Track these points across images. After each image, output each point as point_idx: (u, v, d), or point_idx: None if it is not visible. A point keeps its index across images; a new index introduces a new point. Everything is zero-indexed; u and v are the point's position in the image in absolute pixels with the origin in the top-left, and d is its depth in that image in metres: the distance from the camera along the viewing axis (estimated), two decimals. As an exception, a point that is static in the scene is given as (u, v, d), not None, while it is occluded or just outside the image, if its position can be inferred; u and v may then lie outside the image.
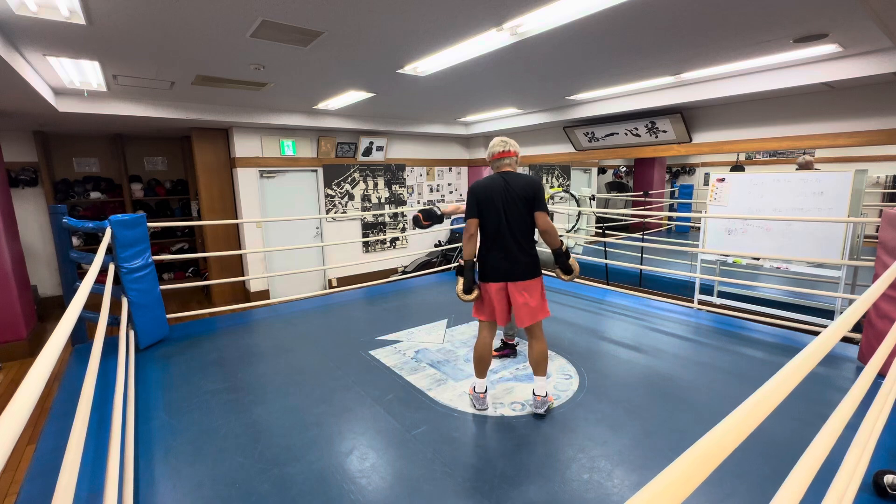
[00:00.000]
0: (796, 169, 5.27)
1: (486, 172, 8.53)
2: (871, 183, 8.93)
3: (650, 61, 3.75)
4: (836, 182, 4.13)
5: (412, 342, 3.83)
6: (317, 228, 7.04)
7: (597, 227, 9.05)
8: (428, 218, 3.80)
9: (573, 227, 8.68)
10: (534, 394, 2.66)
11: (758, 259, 4.74)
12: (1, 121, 4.97)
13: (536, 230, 2.62)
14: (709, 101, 4.78)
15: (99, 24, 2.66)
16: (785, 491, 0.80)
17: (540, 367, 2.62)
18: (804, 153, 9.17)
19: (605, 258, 6.13)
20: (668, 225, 11.37)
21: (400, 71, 3.84)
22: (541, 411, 2.63)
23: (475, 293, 2.64)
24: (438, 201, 8.48)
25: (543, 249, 7.93)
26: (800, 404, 2.62)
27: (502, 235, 2.56)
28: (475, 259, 2.69)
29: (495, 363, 3.37)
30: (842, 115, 4.18)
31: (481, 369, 2.69)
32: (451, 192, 8.62)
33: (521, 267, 2.58)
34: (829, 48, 3.36)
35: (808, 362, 0.91)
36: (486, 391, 2.73)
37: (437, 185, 8.43)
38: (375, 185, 7.57)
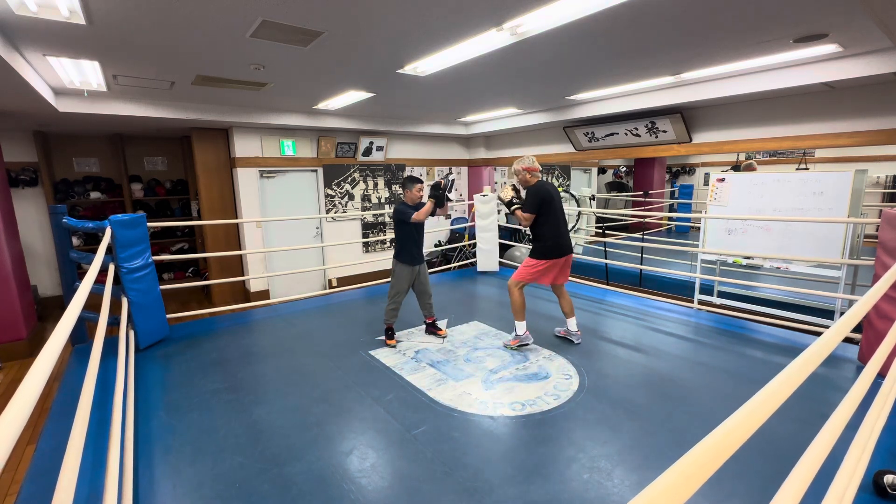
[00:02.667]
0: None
1: (486, 173, 8.55)
2: (871, 183, 8.93)
3: (650, 61, 3.75)
4: (836, 182, 4.13)
5: (412, 342, 3.84)
6: (317, 228, 7.04)
7: (597, 227, 9.05)
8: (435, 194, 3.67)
9: (573, 227, 8.68)
10: (570, 331, 3.78)
11: (751, 258, 4.74)
12: (1, 121, 4.96)
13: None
14: (709, 101, 4.77)
15: (99, 24, 2.66)
16: (785, 491, 0.80)
17: (573, 311, 3.80)
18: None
19: (605, 258, 6.13)
20: (668, 225, 11.37)
21: (400, 71, 3.84)
22: (579, 341, 3.75)
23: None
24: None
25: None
26: (800, 404, 2.62)
27: (560, 224, 3.63)
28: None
29: (494, 363, 3.37)
30: (842, 115, 4.17)
31: (524, 314, 3.62)
32: (451, 192, 8.62)
33: (571, 244, 3.73)
34: (829, 48, 3.36)
35: (809, 364, 0.91)
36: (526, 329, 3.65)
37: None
38: (375, 185, 7.56)
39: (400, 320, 4.38)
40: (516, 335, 3.64)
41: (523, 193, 3.74)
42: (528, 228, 3.74)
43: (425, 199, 3.77)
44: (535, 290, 5.52)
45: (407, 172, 7.93)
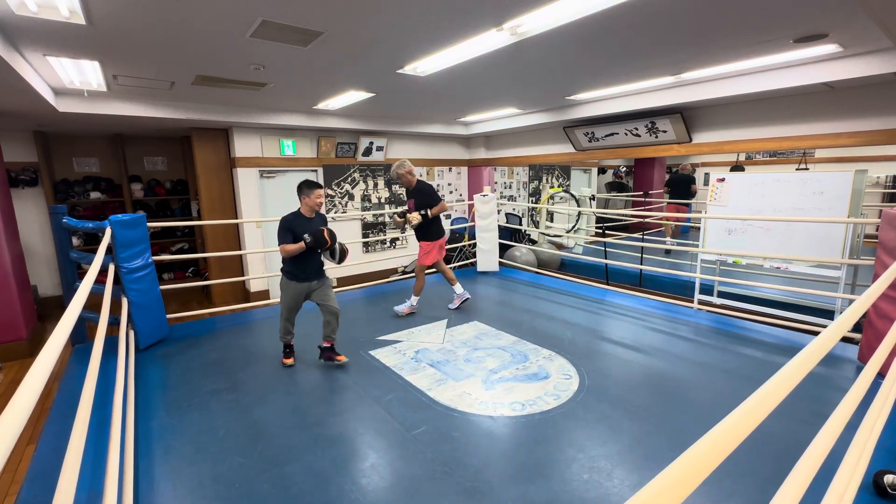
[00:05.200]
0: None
1: (486, 173, 8.56)
2: (871, 183, 8.92)
3: (650, 61, 3.75)
4: (836, 182, 4.13)
5: (412, 342, 3.84)
6: (317, 228, 7.03)
7: (597, 227, 9.06)
8: (318, 245, 3.20)
9: (573, 227, 8.68)
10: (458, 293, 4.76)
11: (744, 259, 4.74)
12: (1, 121, 4.96)
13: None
14: (709, 101, 4.77)
15: (99, 24, 2.66)
16: (785, 491, 0.80)
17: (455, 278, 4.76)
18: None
19: (605, 258, 6.13)
20: (669, 225, 11.35)
21: (400, 71, 3.84)
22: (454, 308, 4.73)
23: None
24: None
25: (543, 249, 7.88)
26: (800, 404, 2.62)
27: None
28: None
29: (494, 363, 3.37)
30: (842, 115, 4.17)
31: (454, 278, 4.75)
32: (451, 192, 8.62)
33: None
34: (829, 48, 3.36)
35: (807, 362, 0.91)
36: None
37: (437, 185, 8.43)
38: (375, 185, 7.56)
39: (401, 320, 4.39)
40: (457, 295, 4.69)
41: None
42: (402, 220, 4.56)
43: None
44: (534, 290, 5.52)
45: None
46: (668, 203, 8.75)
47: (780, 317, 4.38)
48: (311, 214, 3.36)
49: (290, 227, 3.22)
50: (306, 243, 3.15)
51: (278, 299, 3.47)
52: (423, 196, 4.43)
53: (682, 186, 8.67)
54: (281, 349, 3.47)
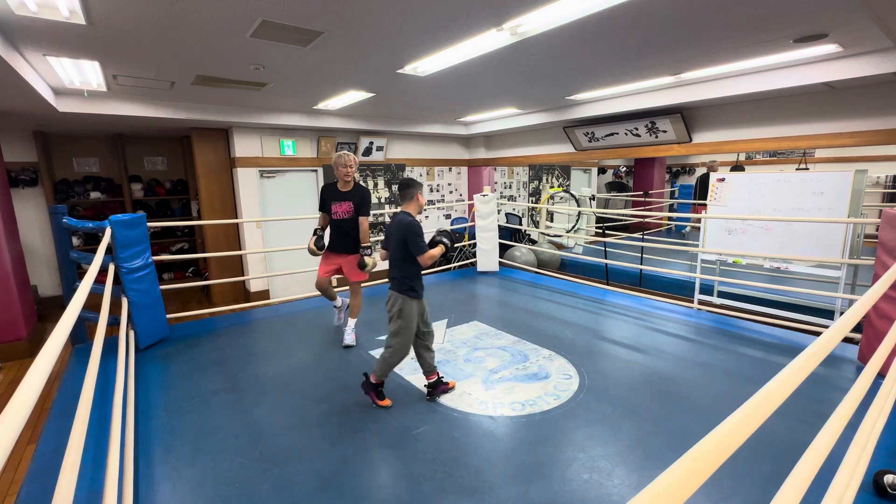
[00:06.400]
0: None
1: (486, 173, 8.55)
2: (871, 183, 8.92)
3: (650, 61, 3.75)
4: (836, 182, 4.13)
5: (412, 342, 3.83)
6: (317, 228, 7.03)
7: (597, 227, 9.05)
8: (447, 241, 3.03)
9: (573, 227, 8.68)
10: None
11: (746, 259, 4.74)
12: (1, 121, 4.96)
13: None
14: (709, 101, 4.77)
15: (99, 24, 2.66)
16: (785, 491, 0.80)
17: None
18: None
19: (605, 258, 6.13)
20: (668, 225, 11.36)
21: (400, 71, 3.84)
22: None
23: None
24: (438, 201, 8.48)
25: (543, 249, 7.86)
26: (800, 404, 2.63)
27: None
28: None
29: (494, 363, 3.37)
30: (842, 115, 4.17)
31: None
32: (451, 192, 8.62)
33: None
34: (829, 48, 3.36)
35: (808, 364, 0.91)
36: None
37: (437, 185, 8.43)
38: (375, 185, 7.56)
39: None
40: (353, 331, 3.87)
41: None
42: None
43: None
44: (534, 290, 5.52)
45: (407, 172, 7.91)
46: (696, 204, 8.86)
47: (780, 317, 4.38)
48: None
49: (421, 231, 2.74)
50: (448, 247, 2.73)
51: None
52: (364, 201, 3.62)
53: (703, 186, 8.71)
54: (366, 384, 2.80)
